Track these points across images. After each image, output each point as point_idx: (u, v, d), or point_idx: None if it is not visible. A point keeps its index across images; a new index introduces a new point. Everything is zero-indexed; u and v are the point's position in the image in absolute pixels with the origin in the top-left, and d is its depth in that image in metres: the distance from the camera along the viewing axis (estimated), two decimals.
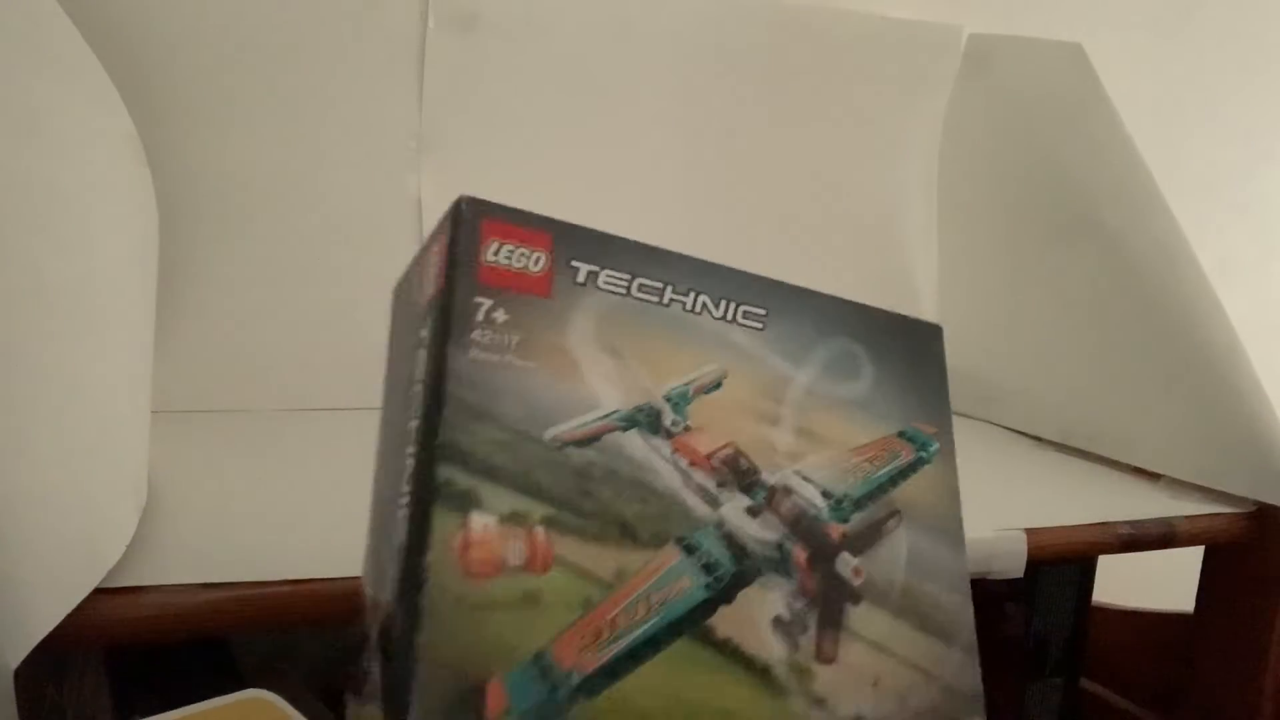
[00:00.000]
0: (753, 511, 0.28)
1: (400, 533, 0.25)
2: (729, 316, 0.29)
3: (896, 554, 0.30)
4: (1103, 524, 0.58)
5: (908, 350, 0.32)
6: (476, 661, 0.23)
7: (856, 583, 0.29)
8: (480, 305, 0.26)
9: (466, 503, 0.24)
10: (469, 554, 0.24)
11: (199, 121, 0.64)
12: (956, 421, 0.82)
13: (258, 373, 0.67)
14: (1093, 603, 0.77)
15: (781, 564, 0.28)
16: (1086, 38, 0.74)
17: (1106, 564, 0.75)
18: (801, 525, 0.29)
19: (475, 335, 0.26)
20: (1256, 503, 0.62)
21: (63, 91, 0.49)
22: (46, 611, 0.35)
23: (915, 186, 0.86)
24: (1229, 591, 0.66)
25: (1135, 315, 0.68)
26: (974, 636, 0.30)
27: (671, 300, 0.29)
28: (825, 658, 0.28)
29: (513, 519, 0.25)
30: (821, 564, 0.29)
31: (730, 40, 0.79)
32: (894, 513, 0.30)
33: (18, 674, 0.34)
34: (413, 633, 0.23)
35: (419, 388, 0.26)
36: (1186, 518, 0.61)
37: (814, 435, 0.30)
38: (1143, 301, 0.67)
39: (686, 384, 0.28)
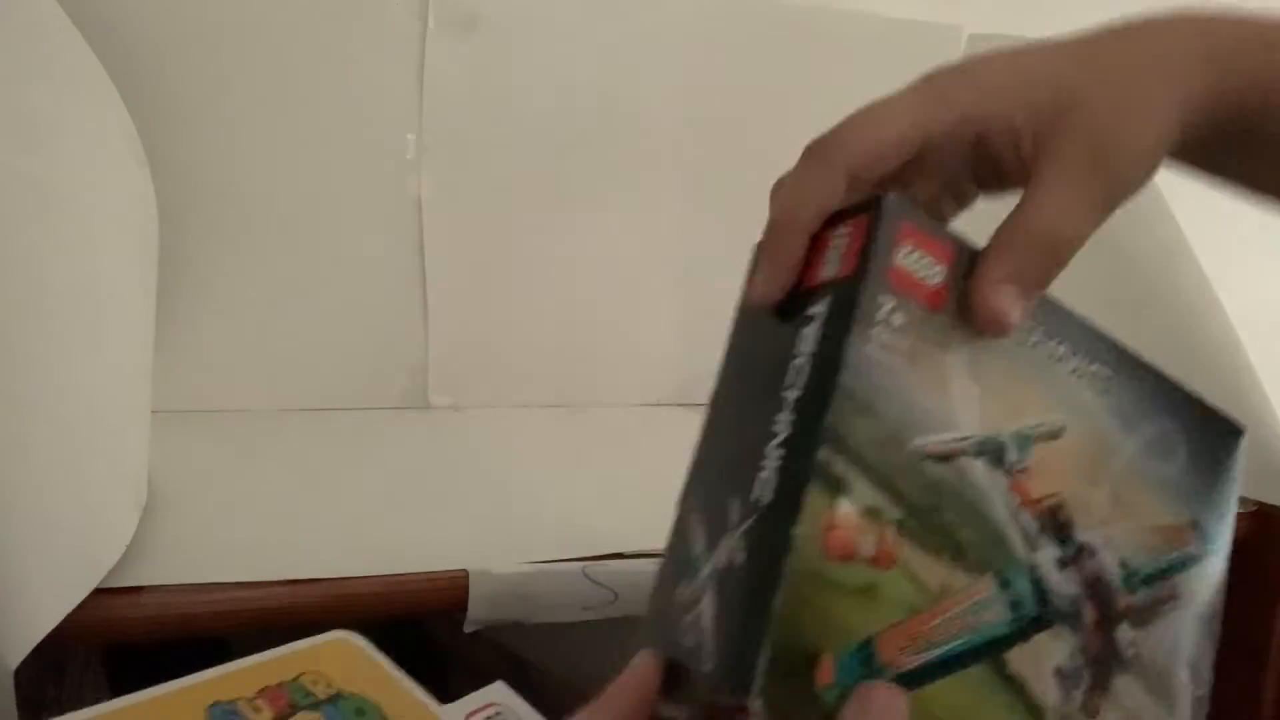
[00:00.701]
0: (1061, 563, 0.29)
1: (767, 494, 0.26)
2: (1080, 372, 0.31)
3: (1165, 637, 0.31)
4: None
5: (1216, 445, 0.34)
6: (816, 634, 0.25)
7: (1129, 654, 0.30)
8: (884, 304, 0.27)
9: (838, 488, 0.25)
10: (831, 536, 0.25)
11: (199, 121, 0.64)
12: None
13: (258, 373, 0.67)
14: None
15: (1073, 619, 0.29)
16: None
17: None
18: (1097, 588, 0.30)
19: (874, 332, 0.27)
20: (1256, 503, 0.63)
21: (63, 91, 0.49)
22: (46, 611, 0.35)
23: None
24: (1229, 591, 0.66)
25: (1135, 315, 0.68)
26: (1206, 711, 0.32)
27: (1037, 343, 0.30)
28: (1090, 715, 0.29)
29: (870, 514, 0.26)
30: (1106, 628, 0.30)
31: (730, 40, 0.79)
32: (1173, 597, 0.32)
33: (18, 674, 0.34)
34: (771, 592, 0.24)
35: (805, 363, 0.27)
36: None
37: (1124, 505, 0.31)
38: (1142, 301, 0.67)
39: (1032, 428, 0.29)
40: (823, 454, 0.25)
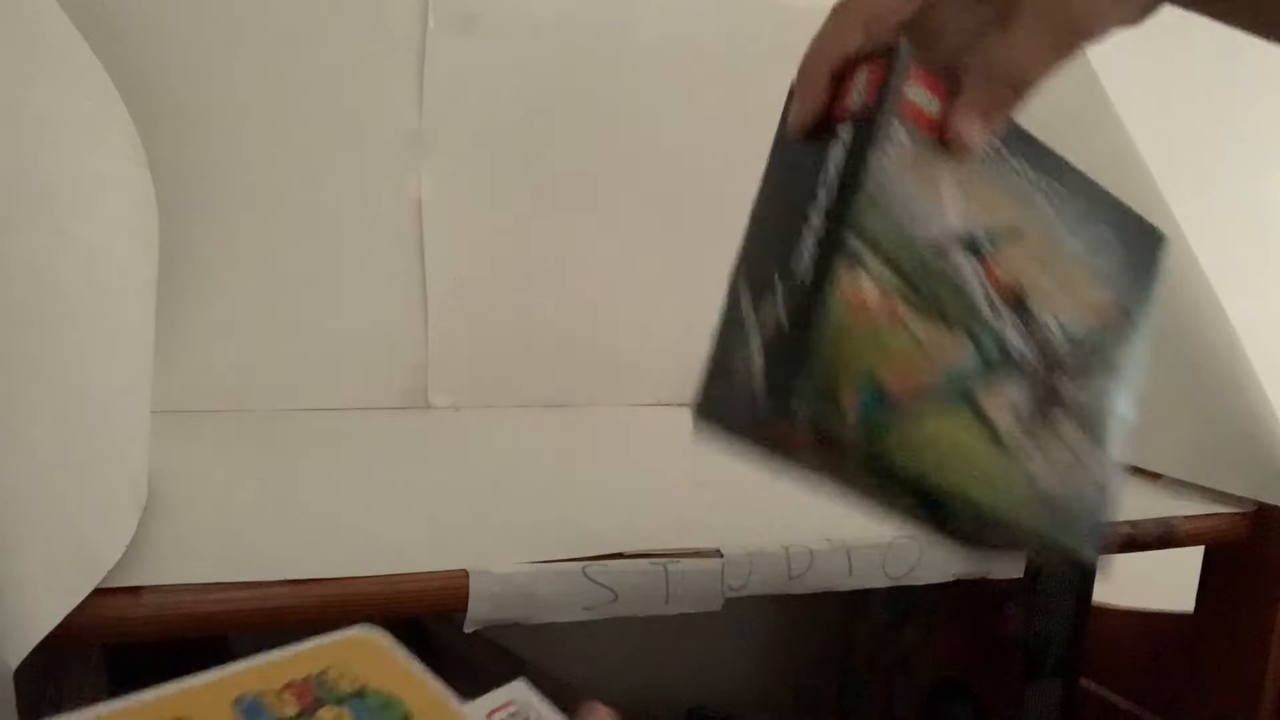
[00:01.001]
0: (1018, 329, 0.38)
1: (806, 270, 0.34)
2: (1039, 185, 0.39)
3: (1095, 391, 0.40)
4: None
5: (1144, 248, 0.43)
6: (841, 372, 0.33)
7: (1068, 398, 0.39)
8: (895, 126, 0.35)
9: (859, 264, 0.33)
10: (854, 298, 0.33)
11: (199, 121, 0.65)
12: None
13: (258, 373, 0.67)
14: (1093, 603, 0.77)
15: (1026, 370, 0.38)
16: None
17: None
18: (1045, 348, 0.39)
19: (888, 148, 0.34)
20: (1256, 503, 0.63)
21: (63, 91, 0.49)
22: (46, 611, 0.35)
23: None
24: (1229, 591, 0.66)
25: None
26: (1129, 452, 0.42)
27: (1006, 161, 0.38)
28: (1037, 439, 0.38)
29: (882, 284, 0.34)
30: (1051, 379, 0.39)
31: (729, 40, 0.79)
32: (1103, 361, 0.41)
33: (18, 674, 0.34)
34: (811, 343, 0.32)
35: (834, 172, 0.35)
36: (1186, 518, 0.61)
37: (1068, 288, 0.40)
38: None
39: (1000, 224, 0.38)
40: (851, 240, 0.33)
